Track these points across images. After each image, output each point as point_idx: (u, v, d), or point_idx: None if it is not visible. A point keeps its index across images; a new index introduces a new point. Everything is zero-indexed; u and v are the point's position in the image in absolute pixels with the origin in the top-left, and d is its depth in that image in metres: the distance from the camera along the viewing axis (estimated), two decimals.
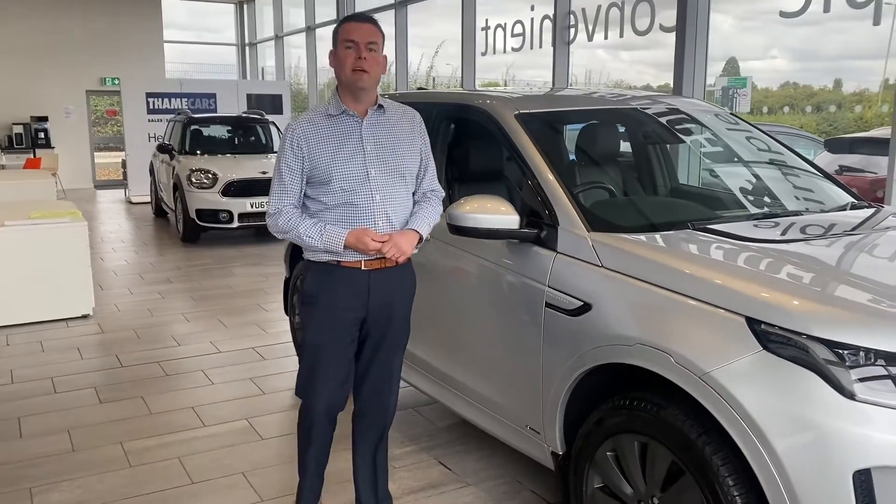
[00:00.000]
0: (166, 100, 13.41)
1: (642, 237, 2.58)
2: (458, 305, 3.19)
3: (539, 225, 2.77)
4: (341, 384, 2.68)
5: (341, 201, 2.54)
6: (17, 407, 4.17)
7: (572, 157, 3.58)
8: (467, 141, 3.56)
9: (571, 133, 3.69)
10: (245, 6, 18.17)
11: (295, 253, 4.71)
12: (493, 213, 2.72)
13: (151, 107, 13.32)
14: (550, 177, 2.83)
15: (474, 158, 3.51)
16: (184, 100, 13.45)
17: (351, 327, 2.62)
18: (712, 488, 2.09)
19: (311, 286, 2.64)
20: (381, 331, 2.67)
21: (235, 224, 9.15)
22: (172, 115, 11.58)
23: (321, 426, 2.74)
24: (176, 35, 17.68)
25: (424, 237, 2.63)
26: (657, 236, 2.60)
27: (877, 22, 5.37)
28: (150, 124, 13.28)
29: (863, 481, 1.86)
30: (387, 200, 2.56)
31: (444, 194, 2.80)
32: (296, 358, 4.78)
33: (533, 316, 2.71)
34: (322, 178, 2.53)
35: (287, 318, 4.93)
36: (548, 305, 2.65)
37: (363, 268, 2.57)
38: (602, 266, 2.51)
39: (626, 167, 3.69)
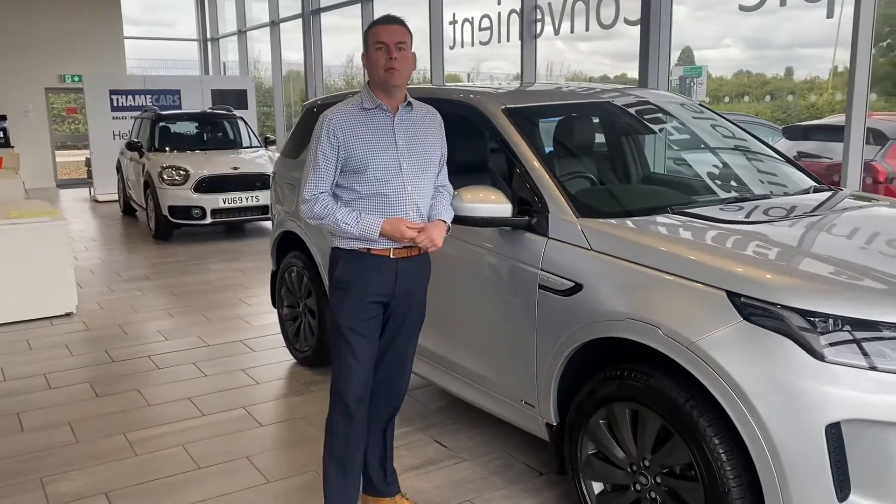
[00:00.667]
0: (130, 97, 13.32)
1: (627, 221, 2.79)
2: (455, 292, 3.36)
3: (530, 213, 2.96)
4: (371, 366, 2.77)
5: (374, 191, 2.64)
6: (15, 403, 4.24)
7: (549, 148, 3.78)
8: (454, 135, 3.72)
9: (546, 125, 3.89)
10: (206, 1, 18.01)
11: (281, 247, 4.84)
12: (487, 202, 2.90)
13: (115, 104, 13.22)
14: (540, 167, 3.02)
15: (462, 151, 3.67)
16: (148, 97, 13.37)
17: (378, 312, 2.73)
18: (700, 448, 2.30)
19: (342, 273, 2.72)
20: (402, 315, 2.79)
21: (208, 220, 9.19)
22: (139, 113, 11.52)
23: (359, 412, 2.78)
24: (130, 30, 17.47)
25: (450, 227, 2.77)
26: (641, 220, 2.81)
27: (830, 15, 5.66)
28: (114, 122, 13.19)
29: (834, 434, 2.09)
30: (417, 192, 2.69)
31: (453, 190, 2.92)
32: (285, 350, 4.92)
33: (527, 298, 2.90)
34: (357, 168, 2.63)
35: (275, 310, 5.06)
36: (541, 287, 2.84)
37: (392, 256, 2.68)
38: (591, 249, 2.71)
39: (602, 157, 3.89)
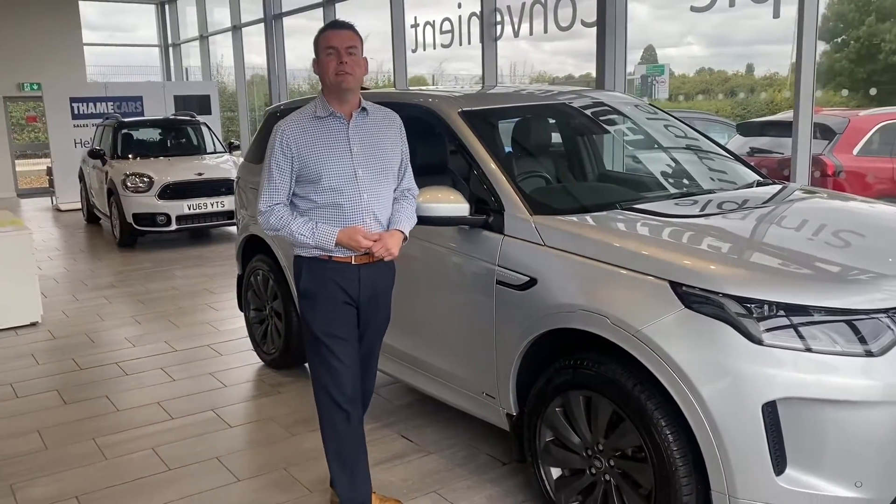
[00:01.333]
0: (91, 104, 13.20)
1: (576, 218, 2.92)
2: (418, 291, 3.46)
3: (486, 211, 3.07)
4: (356, 366, 2.79)
5: (329, 201, 2.66)
6: None
7: (508, 149, 3.90)
8: (414, 137, 3.82)
9: (505, 126, 4.02)
10: (167, 6, 17.89)
11: (246, 251, 4.90)
12: (445, 202, 3.00)
13: (76, 112, 13.11)
14: (495, 167, 3.13)
15: (421, 153, 3.78)
16: (110, 104, 13.26)
17: (351, 313, 2.75)
18: (648, 430, 2.43)
19: (307, 282, 2.74)
20: (368, 318, 2.82)
21: (174, 227, 9.18)
22: (101, 120, 11.44)
23: (355, 412, 2.79)
24: (90, 36, 17.29)
25: (407, 236, 2.80)
26: (590, 217, 2.94)
27: (776, 14, 5.87)
28: (75, 130, 13.07)
29: (770, 412, 2.23)
30: (373, 199, 2.70)
31: (418, 192, 2.95)
32: (253, 352, 4.98)
33: (485, 293, 3.02)
34: (311, 177, 2.65)
35: (242, 314, 5.11)
36: (498, 283, 2.96)
37: (353, 262, 2.70)
38: (545, 245, 2.83)
39: (558, 156, 4.03)
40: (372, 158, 2.72)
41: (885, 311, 2.28)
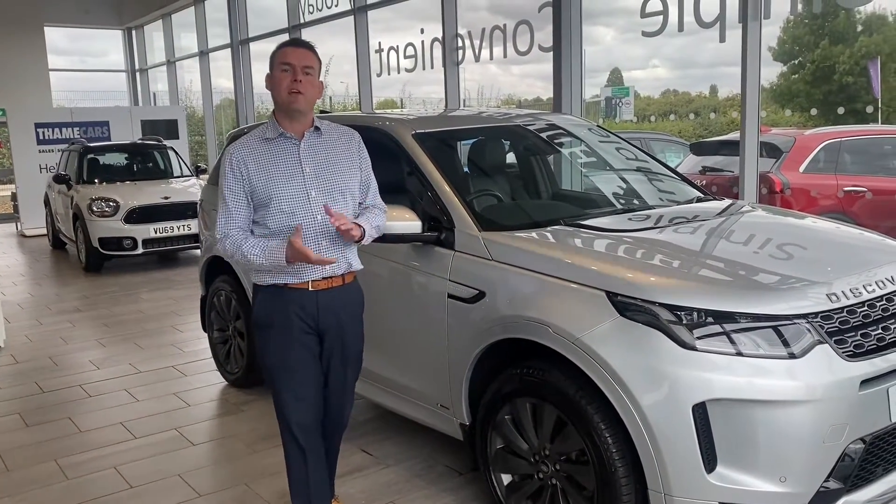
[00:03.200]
0: (57, 129, 13.16)
1: (522, 234, 3.06)
2: (373, 306, 3.54)
3: (439, 228, 3.20)
4: (317, 395, 2.72)
5: (283, 224, 2.56)
6: None
7: (467, 169, 4.05)
8: (371, 159, 3.95)
9: (465, 147, 4.17)
10: (133, 32, 17.93)
11: (210, 271, 4.97)
12: (399, 220, 3.11)
13: (41, 137, 13.06)
14: (446, 187, 3.27)
15: (377, 173, 3.91)
16: (76, 129, 13.24)
17: (312, 344, 2.66)
18: (589, 434, 2.56)
19: (262, 311, 2.66)
20: (333, 347, 2.71)
21: (140, 251, 9.19)
22: (66, 145, 11.42)
23: (312, 441, 2.73)
24: (57, 61, 17.26)
25: (367, 234, 2.65)
26: (534, 232, 3.08)
27: (722, 39, 6.11)
28: (40, 155, 13.02)
29: (700, 413, 2.37)
30: (329, 221, 2.54)
31: (386, 209, 2.89)
32: (217, 372, 5.03)
33: (438, 307, 3.14)
34: (262, 201, 2.57)
35: (205, 334, 5.17)
36: (449, 296, 3.08)
37: (310, 289, 2.61)
38: (492, 259, 2.97)
39: (513, 176, 4.18)
40: (326, 179, 2.63)
41: (806, 316, 2.44)
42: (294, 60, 2.57)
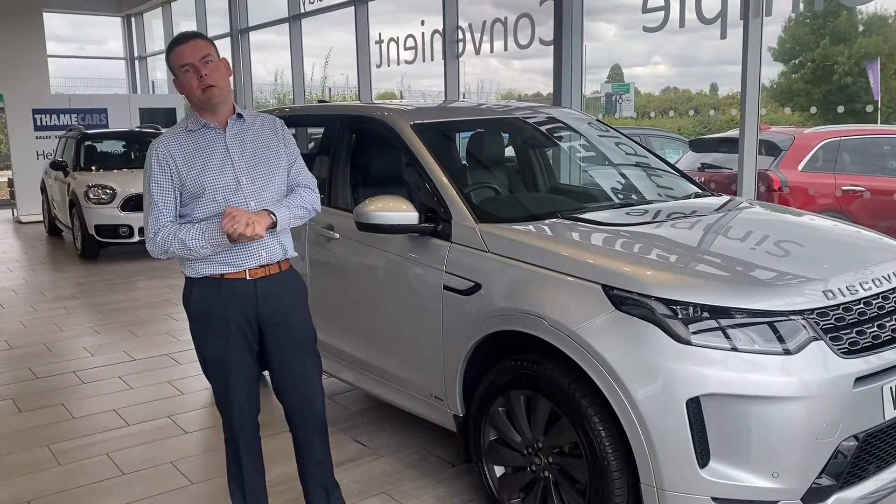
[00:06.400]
0: (55, 116, 13.12)
1: (519, 226, 3.05)
2: (369, 297, 3.56)
3: (435, 220, 3.19)
4: (252, 390, 2.70)
5: (215, 213, 2.51)
6: None
7: (464, 161, 4.05)
8: (368, 149, 3.95)
9: (464, 139, 4.17)
10: (133, 19, 17.85)
11: None
12: (396, 210, 3.11)
13: (39, 123, 13.02)
14: (443, 178, 3.26)
15: (375, 164, 3.91)
16: (73, 116, 13.19)
17: (249, 336, 2.61)
18: (583, 427, 2.55)
19: (198, 303, 2.60)
20: (279, 337, 2.66)
21: (136, 238, 9.15)
22: (63, 132, 11.38)
23: (248, 436, 2.73)
24: (58, 48, 17.20)
25: (280, 219, 2.56)
26: (531, 225, 3.07)
27: (723, 36, 6.10)
28: (38, 141, 12.97)
29: (694, 408, 2.37)
30: (262, 206, 2.53)
31: (314, 181, 2.79)
32: None
33: (433, 298, 3.13)
34: (194, 192, 2.52)
35: None
36: (445, 288, 3.07)
37: (248, 277, 2.56)
38: (488, 251, 2.96)
39: (511, 169, 4.18)
40: (255, 164, 2.59)
41: (801, 312, 2.44)
42: (190, 58, 2.49)
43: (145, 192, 2.56)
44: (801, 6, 5.69)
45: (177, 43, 2.54)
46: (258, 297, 2.59)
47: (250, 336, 2.62)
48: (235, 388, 2.64)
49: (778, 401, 2.34)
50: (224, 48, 13.53)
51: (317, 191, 2.78)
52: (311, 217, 2.76)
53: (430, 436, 3.82)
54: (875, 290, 2.61)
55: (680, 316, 2.42)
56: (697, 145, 7.62)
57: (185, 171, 2.52)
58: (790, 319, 2.42)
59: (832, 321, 2.46)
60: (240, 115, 2.63)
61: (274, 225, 2.54)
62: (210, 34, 14.07)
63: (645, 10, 6.42)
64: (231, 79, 2.63)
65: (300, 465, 2.87)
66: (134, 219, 9.07)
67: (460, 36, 8.28)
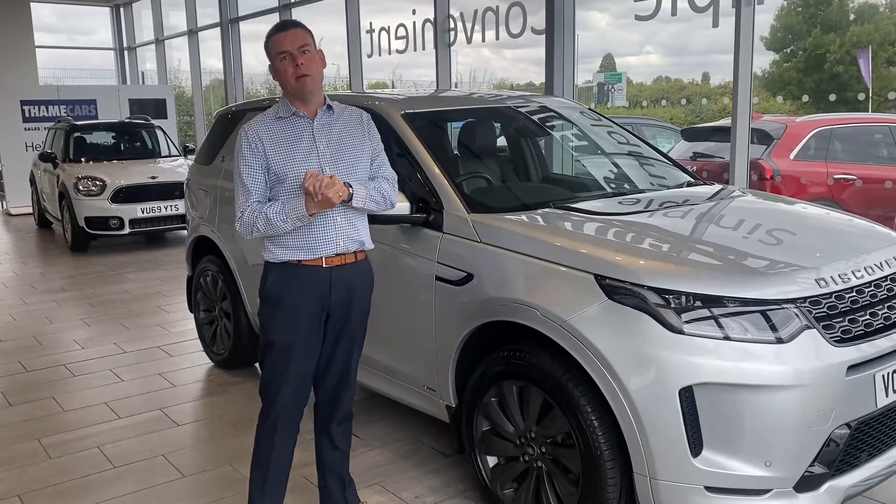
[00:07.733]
0: (43, 107, 13.01)
1: (511, 216, 3.03)
2: None
3: (427, 210, 3.17)
4: (309, 376, 2.73)
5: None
6: None
7: (456, 151, 4.02)
8: None
9: (456, 129, 4.13)
10: (122, 9, 17.69)
11: (196, 252, 4.93)
12: None
13: (27, 115, 12.91)
14: (435, 168, 3.23)
15: None
16: (62, 107, 13.08)
17: (316, 325, 2.66)
18: (575, 417, 2.55)
19: (273, 286, 2.64)
20: (339, 325, 2.71)
21: (127, 230, 9.11)
22: (52, 123, 11.29)
23: (291, 420, 2.74)
24: (46, 39, 17.02)
25: (356, 194, 2.58)
26: (523, 215, 3.05)
27: (715, 25, 6.08)
28: (26, 133, 12.87)
29: (687, 397, 2.36)
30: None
31: (395, 178, 2.81)
32: (203, 353, 5.00)
33: (426, 289, 3.11)
34: (278, 178, 2.57)
35: (192, 315, 5.13)
36: (437, 279, 3.06)
37: (324, 265, 2.61)
38: (480, 241, 2.94)
39: (503, 158, 4.15)
40: (339, 156, 2.63)
41: (794, 300, 2.43)
42: (289, 46, 2.56)
43: (236, 175, 2.63)
44: None
45: (277, 30, 2.60)
46: (331, 285, 2.64)
47: (317, 323, 2.67)
48: (295, 372, 2.67)
49: (770, 389, 2.34)
50: (214, 39, 13.45)
51: (396, 186, 2.81)
52: (385, 209, 2.78)
53: (423, 426, 3.81)
54: (867, 279, 2.61)
55: (672, 305, 2.41)
56: (689, 134, 7.61)
57: (272, 157, 2.58)
58: (783, 308, 2.42)
59: (825, 309, 2.46)
60: (329, 107, 2.68)
61: (350, 197, 2.56)
62: (200, 24, 13.98)
63: None
64: (323, 70, 2.67)
65: (319, 452, 2.90)
66: (124, 211, 9.03)
67: (452, 25, 8.24)
